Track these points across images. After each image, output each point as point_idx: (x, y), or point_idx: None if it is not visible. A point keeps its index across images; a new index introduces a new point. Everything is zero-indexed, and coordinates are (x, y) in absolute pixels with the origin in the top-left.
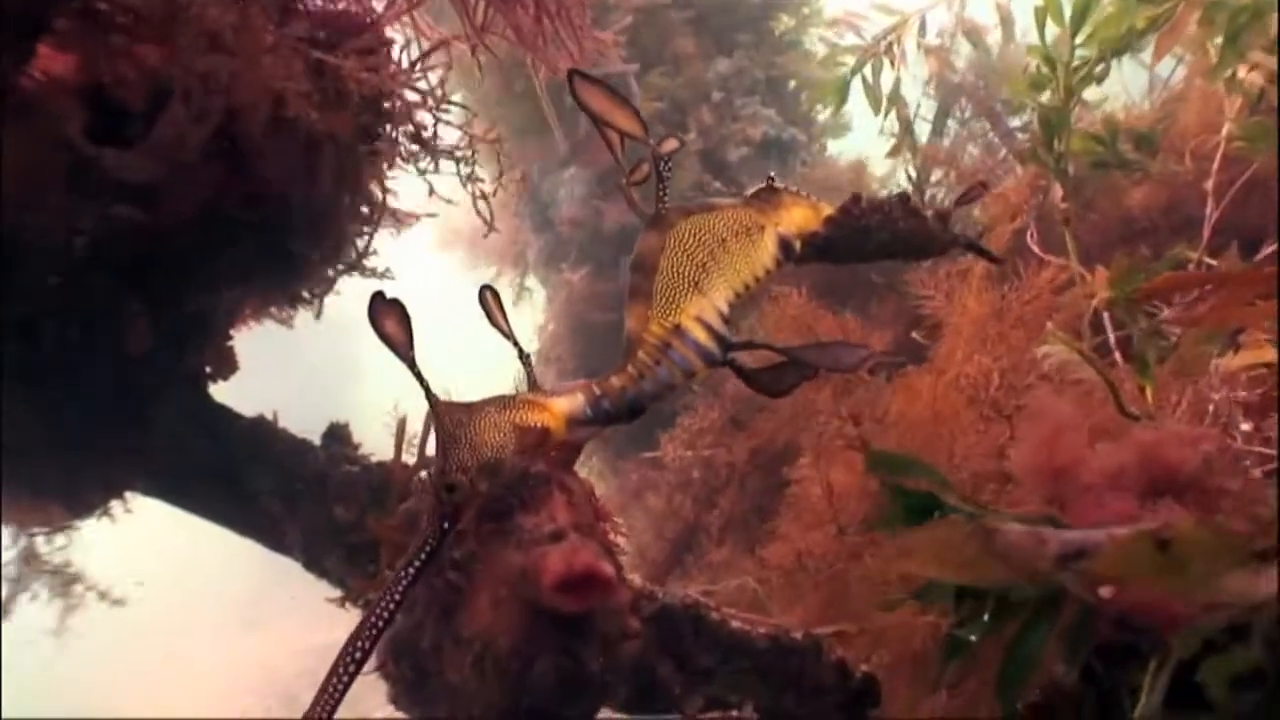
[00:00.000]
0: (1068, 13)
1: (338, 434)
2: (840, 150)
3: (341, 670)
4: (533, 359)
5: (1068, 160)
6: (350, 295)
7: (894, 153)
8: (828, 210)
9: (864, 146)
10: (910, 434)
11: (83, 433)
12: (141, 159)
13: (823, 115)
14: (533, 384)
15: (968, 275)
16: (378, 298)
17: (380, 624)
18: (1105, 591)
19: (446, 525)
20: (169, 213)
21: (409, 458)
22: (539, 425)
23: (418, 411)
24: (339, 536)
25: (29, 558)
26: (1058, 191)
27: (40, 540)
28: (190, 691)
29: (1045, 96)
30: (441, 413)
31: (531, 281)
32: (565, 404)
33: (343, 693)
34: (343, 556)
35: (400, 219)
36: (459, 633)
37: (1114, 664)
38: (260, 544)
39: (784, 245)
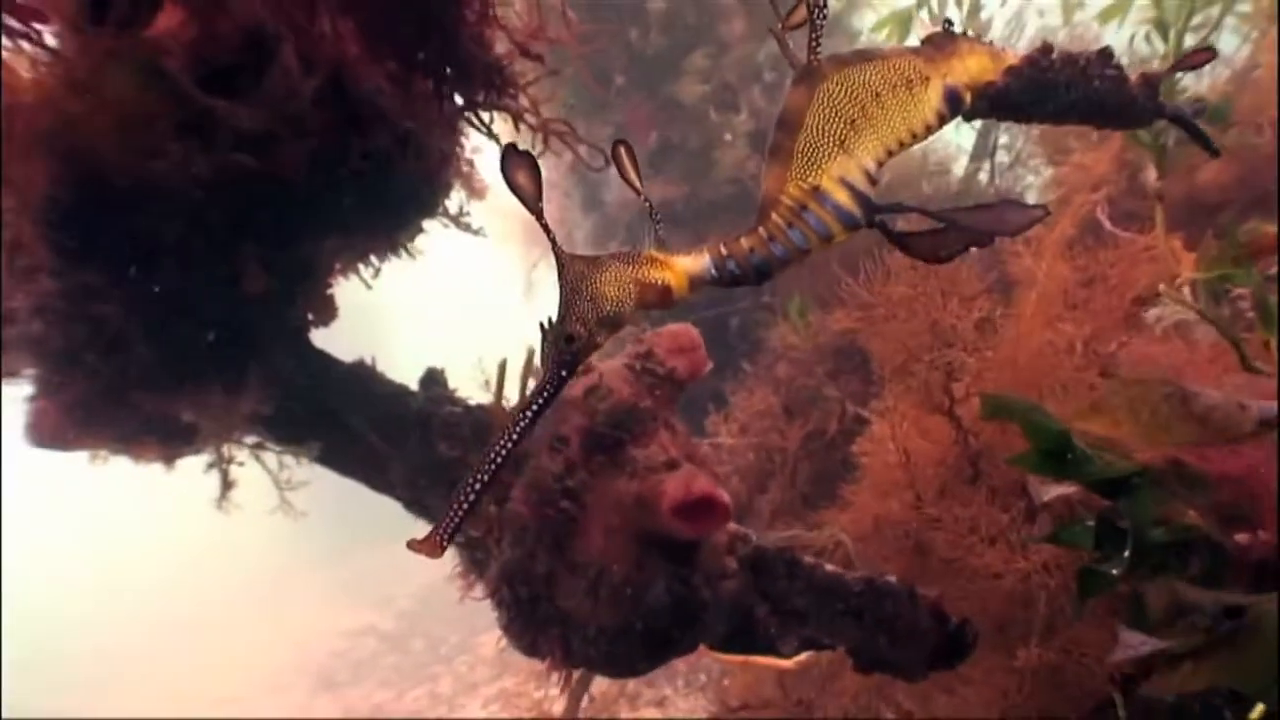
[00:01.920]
0: None
1: (435, 378)
2: None
3: (463, 497)
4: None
5: (1168, 135)
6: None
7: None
8: (1011, 59)
9: None
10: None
11: (200, 372)
12: (251, 110)
13: None
14: (658, 241)
15: (1043, 242)
16: (510, 149)
17: (499, 458)
18: (1242, 538)
19: (564, 374)
20: (280, 161)
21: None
22: (660, 282)
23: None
24: (442, 473)
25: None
26: (1150, 171)
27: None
28: (229, 670)
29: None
30: (565, 264)
31: None
32: (689, 262)
33: (464, 518)
34: (444, 494)
35: (476, 188)
36: (573, 560)
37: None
38: (362, 483)
39: (951, 98)
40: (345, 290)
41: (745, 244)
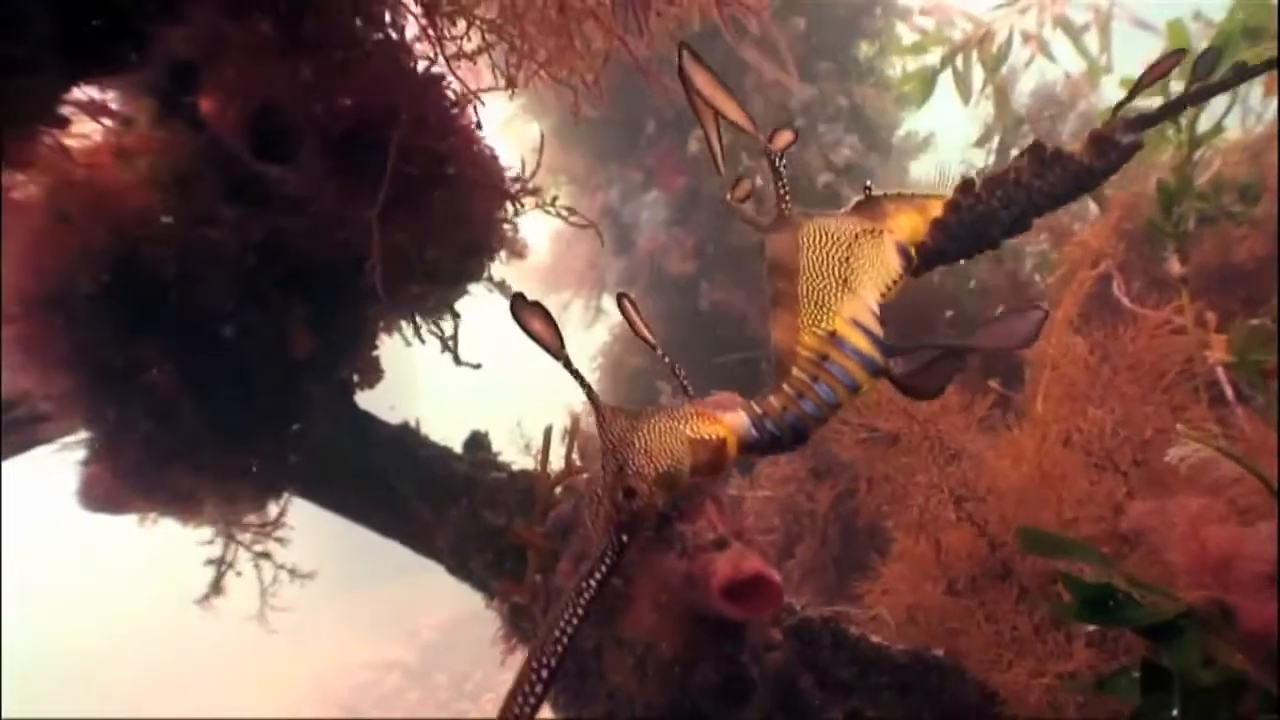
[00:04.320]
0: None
1: (480, 442)
2: (920, 173)
3: (528, 690)
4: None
5: (1187, 221)
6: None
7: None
8: (933, 206)
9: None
10: (1018, 501)
11: (247, 435)
12: (300, 175)
13: (900, 134)
14: (689, 398)
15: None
16: (519, 299)
17: (564, 639)
18: None
19: (624, 538)
20: (326, 226)
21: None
22: (716, 437)
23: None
24: (487, 541)
25: (229, 533)
26: (1173, 259)
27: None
28: (252, 703)
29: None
30: (609, 418)
31: (608, 302)
32: (733, 420)
33: (531, 713)
34: (490, 561)
35: (518, 250)
36: (621, 635)
37: None
38: (408, 547)
39: (903, 253)
40: None
41: (776, 403)
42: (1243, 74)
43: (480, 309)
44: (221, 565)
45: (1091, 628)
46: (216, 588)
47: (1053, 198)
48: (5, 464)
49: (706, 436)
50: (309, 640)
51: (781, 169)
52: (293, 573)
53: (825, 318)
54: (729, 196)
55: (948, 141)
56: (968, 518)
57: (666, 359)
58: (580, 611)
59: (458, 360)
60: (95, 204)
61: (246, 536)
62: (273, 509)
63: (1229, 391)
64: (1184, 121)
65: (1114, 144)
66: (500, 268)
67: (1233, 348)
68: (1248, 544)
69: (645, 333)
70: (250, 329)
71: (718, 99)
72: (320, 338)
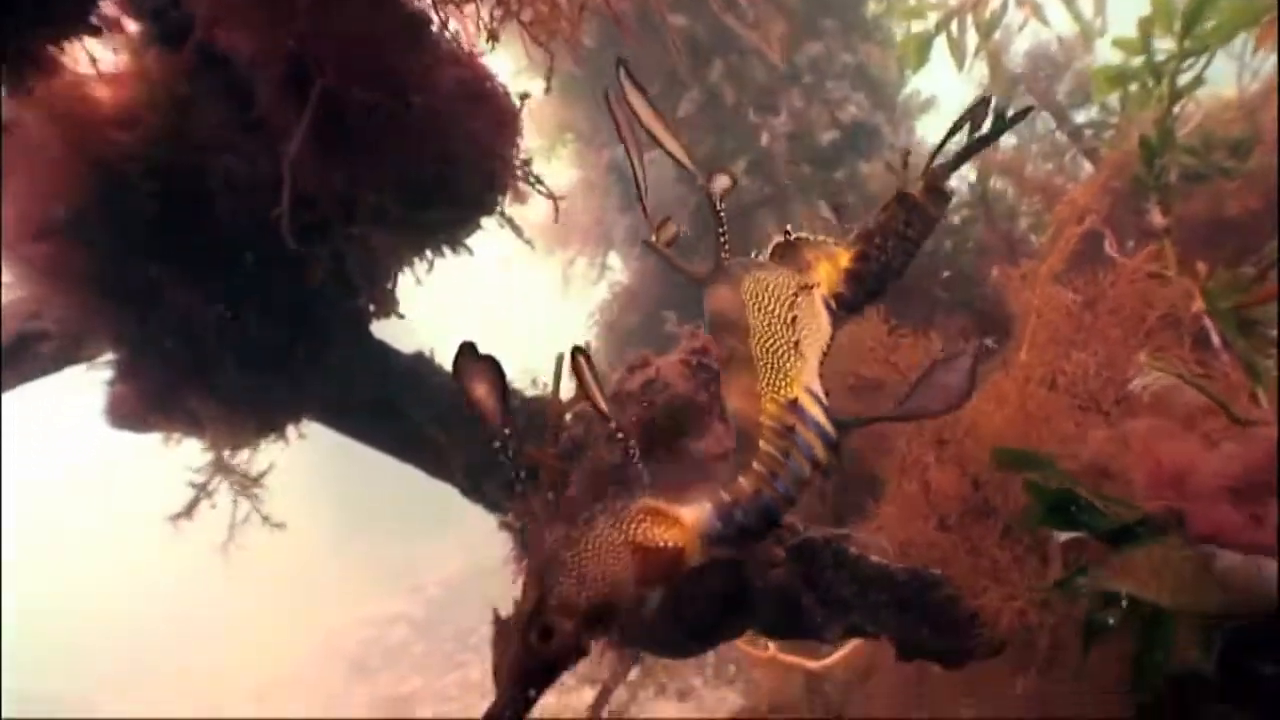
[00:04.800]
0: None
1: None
2: (925, 133)
3: None
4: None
5: (1168, 174)
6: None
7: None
8: (842, 257)
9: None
10: (1000, 441)
11: (273, 363)
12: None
13: (905, 93)
14: (646, 489)
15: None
16: (467, 351)
17: None
18: None
19: (533, 692)
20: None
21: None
22: (668, 544)
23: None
24: (500, 463)
25: (221, 466)
26: (1154, 211)
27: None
28: (263, 657)
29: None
30: (544, 526)
31: (613, 259)
32: (693, 516)
33: None
34: (502, 482)
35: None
36: None
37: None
38: (422, 470)
39: (829, 312)
40: None
41: (748, 486)
42: (1009, 121)
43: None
44: (201, 491)
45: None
46: (189, 511)
47: (915, 245)
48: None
49: (659, 544)
50: (317, 597)
51: (720, 212)
52: (266, 519)
53: (785, 384)
54: (654, 239)
55: (948, 105)
56: (951, 459)
57: (620, 433)
58: None
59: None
60: (109, 127)
61: (236, 472)
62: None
63: (1215, 338)
64: (1164, 76)
65: (941, 193)
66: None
67: (1208, 296)
68: (1208, 461)
69: (598, 398)
70: (267, 257)
71: (656, 128)
72: (338, 268)
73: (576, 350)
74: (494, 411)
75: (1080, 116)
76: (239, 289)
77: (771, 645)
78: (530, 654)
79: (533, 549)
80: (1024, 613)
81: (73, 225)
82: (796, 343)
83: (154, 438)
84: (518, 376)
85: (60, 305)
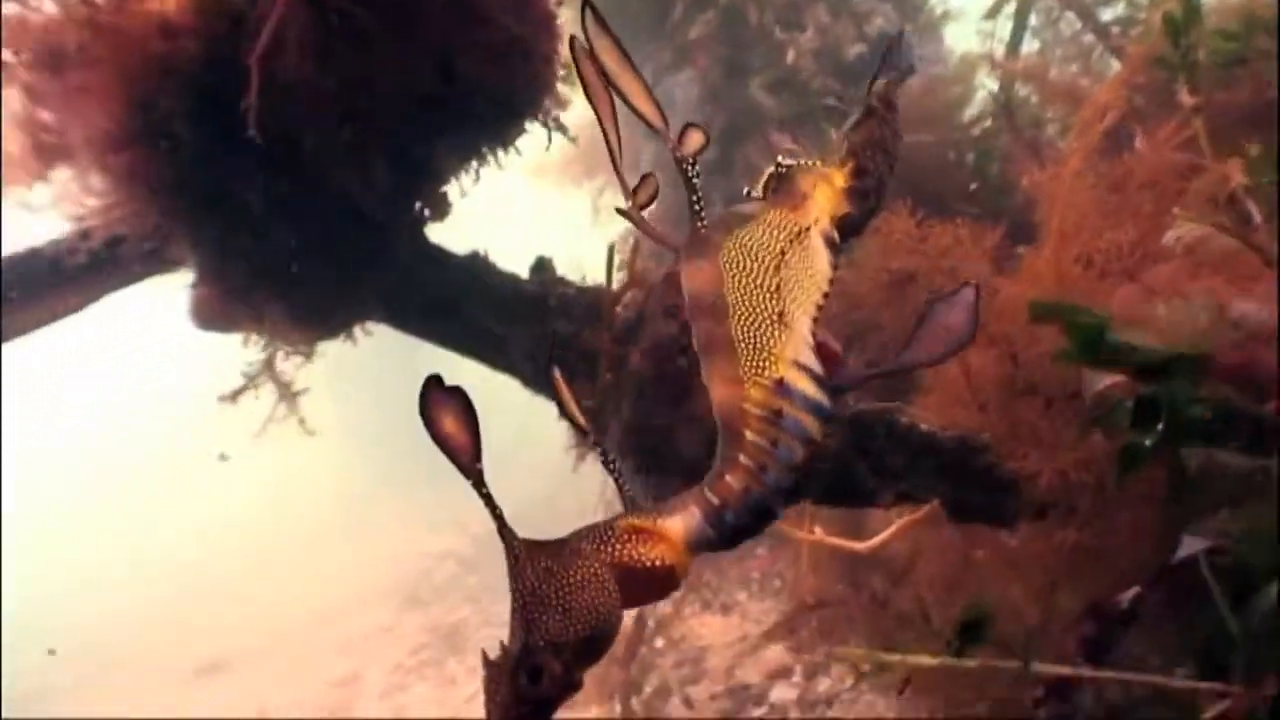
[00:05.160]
0: None
1: (545, 265)
2: (953, 43)
3: None
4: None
5: (1196, 53)
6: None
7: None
8: (837, 177)
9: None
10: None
11: (338, 266)
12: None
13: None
14: (628, 501)
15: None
16: (432, 385)
17: None
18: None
19: None
20: (403, 62)
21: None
22: (655, 563)
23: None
24: (560, 348)
25: (269, 365)
26: (1184, 92)
27: (280, 355)
28: (321, 588)
29: None
30: (521, 559)
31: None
32: (680, 525)
33: None
34: (562, 370)
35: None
36: (691, 414)
37: None
38: (484, 364)
39: (831, 244)
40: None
41: (735, 484)
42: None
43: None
44: (250, 383)
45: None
46: (235, 397)
47: (894, 159)
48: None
49: (644, 562)
50: (367, 533)
51: (694, 177)
52: (302, 422)
53: (769, 364)
54: (628, 205)
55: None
56: (989, 341)
57: (600, 450)
58: None
59: None
60: (177, 36)
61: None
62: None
63: (1255, 214)
64: None
65: (893, 105)
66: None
67: (1248, 169)
68: (1235, 304)
69: (576, 414)
70: (330, 159)
71: (623, 80)
72: (396, 171)
73: (552, 366)
74: (465, 446)
75: (1107, 14)
76: (305, 193)
77: (818, 529)
78: (520, 697)
79: (514, 587)
80: (1064, 473)
81: (150, 132)
82: (781, 314)
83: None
84: (567, 269)
85: (142, 213)
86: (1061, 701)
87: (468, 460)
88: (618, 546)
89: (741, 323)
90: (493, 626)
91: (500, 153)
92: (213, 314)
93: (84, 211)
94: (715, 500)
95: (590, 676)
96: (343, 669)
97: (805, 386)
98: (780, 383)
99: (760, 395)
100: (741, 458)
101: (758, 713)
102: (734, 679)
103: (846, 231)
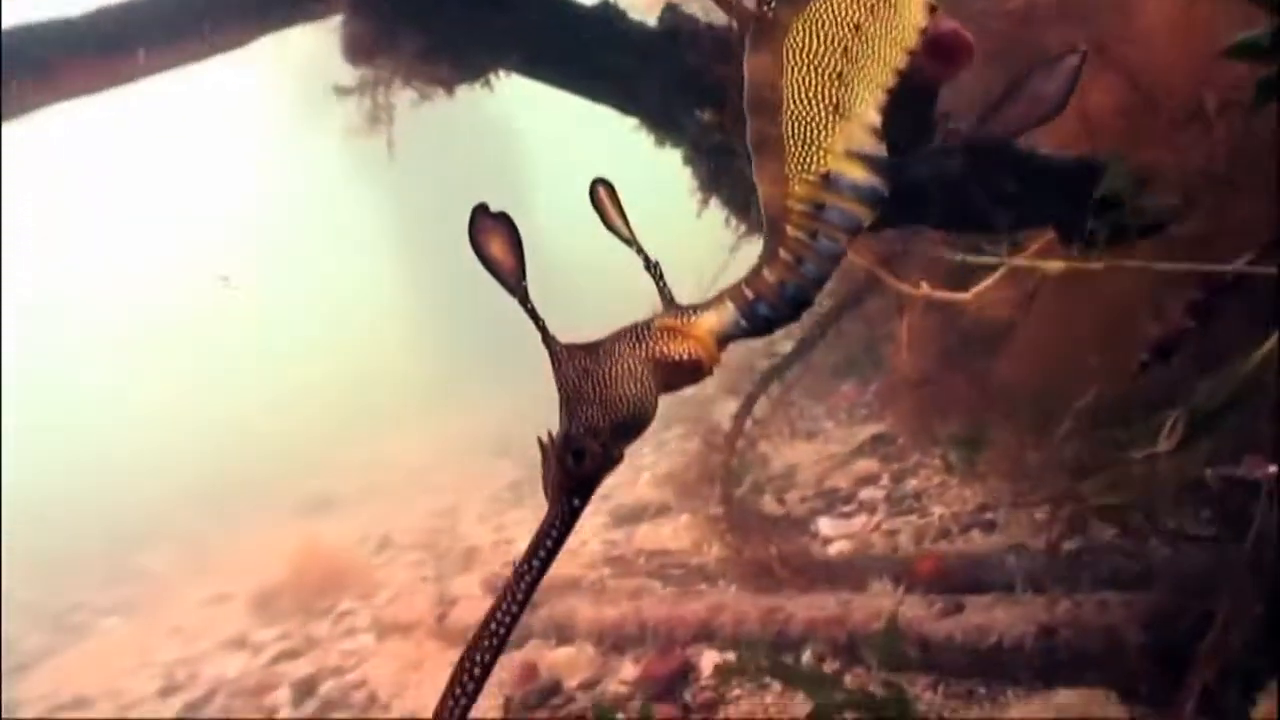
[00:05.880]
0: None
1: (672, 6)
2: None
3: (465, 682)
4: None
5: None
6: (513, 97)
7: None
8: None
9: None
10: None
11: (476, 11)
12: None
13: None
14: (667, 300)
15: None
16: (480, 212)
17: (504, 632)
18: None
19: (577, 503)
20: None
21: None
22: (685, 356)
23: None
24: (690, 82)
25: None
26: None
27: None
28: (413, 447)
29: None
30: (561, 358)
31: None
32: (713, 320)
33: (468, 705)
34: (691, 102)
35: None
36: None
37: None
38: (614, 107)
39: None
40: (482, 112)
41: (772, 277)
42: None
43: None
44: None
45: None
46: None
47: None
48: None
49: (675, 356)
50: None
51: None
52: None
53: (817, 159)
54: None
55: None
56: (1110, 65)
57: (645, 259)
58: (524, 594)
59: None
60: None
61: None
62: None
63: None
64: None
65: None
66: None
67: None
68: None
69: (621, 228)
70: None
71: None
72: None
73: (597, 183)
74: (512, 270)
75: None
76: None
77: (924, 284)
78: (568, 475)
79: (558, 385)
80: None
81: None
82: (838, 104)
83: None
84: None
85: None
86: (1165, 360)
87: (514, 279)
88: (650, 344)
89: (794, 118)
90: None
91: None
92: (361, 50)
93: None
94: (750, 294)
95: (693, 463)
96: (442, 503)
97: (856, 174)
98: (826, 176)
99: (804, 190)
100: (781, 251)
101: (846, 509)
102: (823, 486)
103: None
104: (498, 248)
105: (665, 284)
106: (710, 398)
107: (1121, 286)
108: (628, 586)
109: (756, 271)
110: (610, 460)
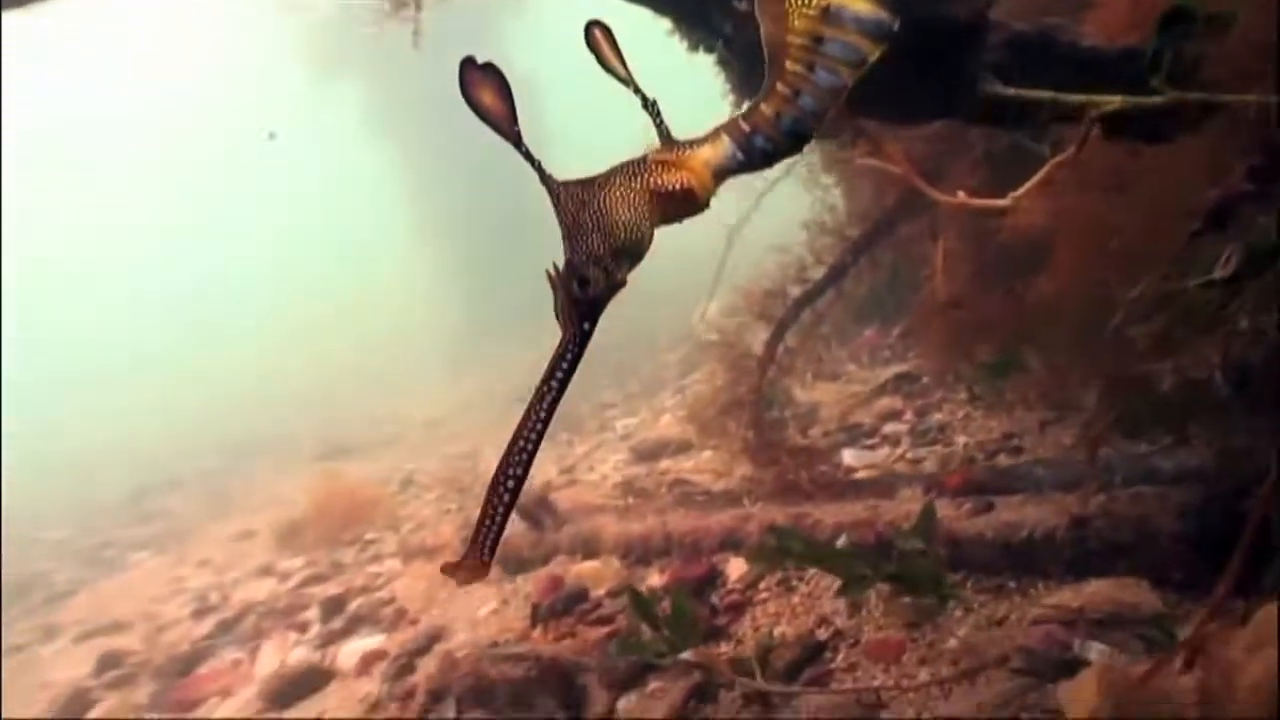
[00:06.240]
0: None
1: None
2: None
3: (496, 501)
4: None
5: None
6: (531, 49)
7: None
8: None
9: None
10: None
11: None
12: None
13: None
14: (664, 136)
15: None
16: (468, 64)
17: (530, 449)
18: None
19: (586, 327)
20: None
21: None
22: (680, 185)
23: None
24: None
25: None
26: None
27: None
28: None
29: None
30: (559, 195)
31: None
32: (708, 153)
33: (501, 526)
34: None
35: None
36: None
37: None
38: (646, 6)
39: None
40: (509, 63)
41: (769, 110)
42: None
43: None
44: None
45: None
46: None
47: None
48: None
49: (670, 186)
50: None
51: None
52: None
53: None
54: None
55: None
56: None
57: (641, 97)
58: (543, 420)
59: None
60: None
61: None
62: None
63: None
64: None
65: None
66: None
67: None
68: None
69: (618, 67)
70: None
71: None
72: None
73: (592, 24)
74: (504, 116)
75: None
76: None
77: (961, 193)
78: (574, 301)
79: (558, 219)
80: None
81: None
82: None
83: None
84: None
85: None
86: (1220, 227)
87: (507, 125)
88: (646, 176)
89: None
90: (606, 411)
91: None
92: None
93: None
94: (746, 127)
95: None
96: (462, 448)
97: (859, 6)
98: (826, 9)
99: (803, 24)
100: (779, 85)
101: (870, 442)
102: (847, 422)
103: None
104: (489, 97)
105: (663, 121)
106: (744, 325)
107: (1172, 179)
108: (652, 507)
109: (754, 106)
110: (613, 284)
